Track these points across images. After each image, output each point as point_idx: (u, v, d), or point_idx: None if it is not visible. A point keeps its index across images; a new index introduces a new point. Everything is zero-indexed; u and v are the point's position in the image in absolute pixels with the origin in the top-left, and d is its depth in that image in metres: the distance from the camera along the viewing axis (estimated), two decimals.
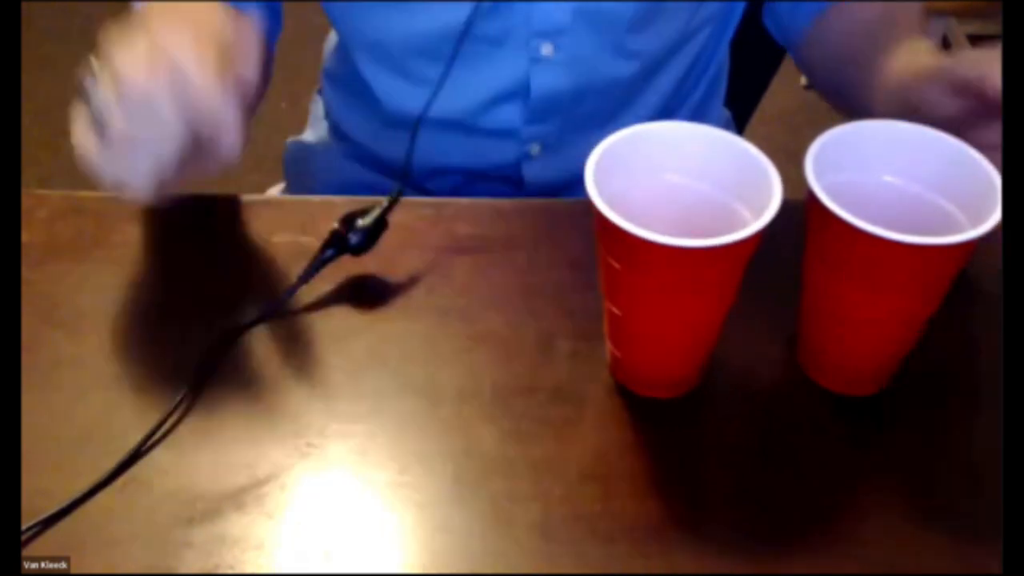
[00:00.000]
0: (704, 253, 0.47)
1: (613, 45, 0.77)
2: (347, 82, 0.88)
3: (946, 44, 2.06)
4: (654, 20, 0.77)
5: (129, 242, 0.65)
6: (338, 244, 0.61)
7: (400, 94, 0.81)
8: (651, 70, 0.81)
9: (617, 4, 0.74)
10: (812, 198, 0.51)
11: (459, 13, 0.73)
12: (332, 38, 0.92)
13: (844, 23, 0.78)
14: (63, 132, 0.69)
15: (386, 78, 0.81)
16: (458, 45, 0.70)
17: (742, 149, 0.53)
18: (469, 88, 0.79)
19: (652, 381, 0.56)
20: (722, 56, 0.89)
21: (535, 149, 0.83)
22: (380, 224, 0.62)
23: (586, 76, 0.78)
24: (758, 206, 0.50)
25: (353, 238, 0.61)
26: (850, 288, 0.53)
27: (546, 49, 0.76)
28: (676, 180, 0.55)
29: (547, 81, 0.78)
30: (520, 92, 0.79)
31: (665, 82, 0.83)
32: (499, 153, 0.83)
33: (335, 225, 0.61)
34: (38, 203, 0.68)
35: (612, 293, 0.53)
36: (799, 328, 0.58)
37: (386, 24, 0.78)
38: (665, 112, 0.85)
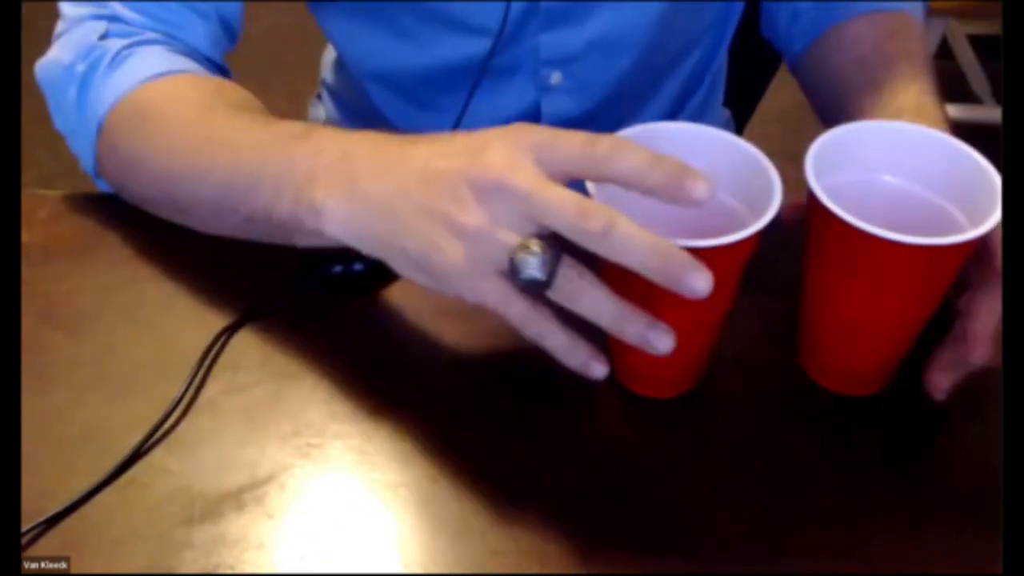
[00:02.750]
0: (703, 254, 0.47)
1: (622, 68, 0.77)
2: (354, 105, 0.88)
3: (946, 44, 2.06)
4: (664, 40, 0.77)
5: (129, 242, 0.65)
6: (344, 264, 0.60)
7: (413, 120, 0.80)
8: (655, 81, 0.81)
9: (629, 30, 0.74)
10: (812, 198, 0.51)
11: (471, 48, 0.73)
12: (331, 52, 0.92)
13: (838, 55, 0.75)
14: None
15: (397, 104, 0.81)
16: (478, 79, 0.69)
17: (741, 149, 0.53)
18: (479, 116, 0.79)
19: (652, 380, 0.56)
20: (720, 59, 0.89)
21: None
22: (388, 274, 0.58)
23: (595, 99, 0.78)
24: (758, 207, 0.50)
25: (358, 265, 0.60)
26: (850, 288, 0.53)
27: (555, 78, 0.76)
28: None
29: (557, 108, 0.78)
30: (530, 119, 0.79)
31: (668, 90, 0.83)
32: None
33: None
34: (38, 203, 0.68)
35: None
36: (799, 328, 0.58)
37: (397, 59, 0.77)
38: (668, 117, 0.85)
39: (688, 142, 0.54)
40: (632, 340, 0.49)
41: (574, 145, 0.47)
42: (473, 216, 0.48)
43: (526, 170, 0.47)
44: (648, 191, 0.46)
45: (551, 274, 0.47)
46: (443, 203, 0.48)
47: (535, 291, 0.48)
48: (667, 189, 0.45)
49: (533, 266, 0.47)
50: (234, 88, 0.65)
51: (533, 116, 0.78)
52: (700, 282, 0.45)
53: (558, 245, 0.48)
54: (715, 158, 0.54)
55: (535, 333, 0.50)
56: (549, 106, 0.78)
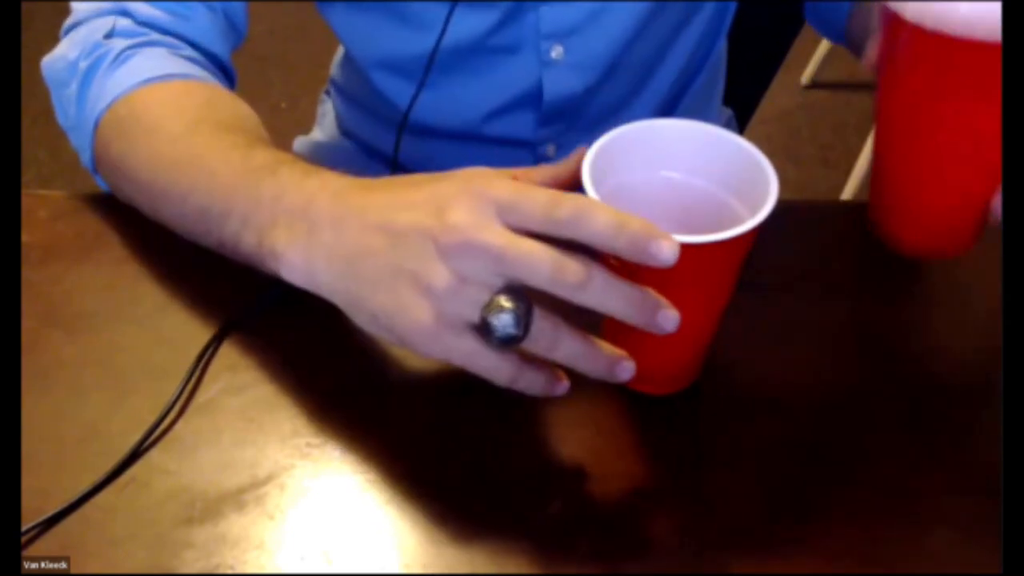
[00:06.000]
0: (700, 249, 0.47)
1: (621, 40, 0.77)
2: (360, 98, 0.88)
3: None
4: (661, 8, 0.77)
5: (129, 242, 0.65)
6: None
7: (420, 105, 0.81)
8: (654, 57, 0.81)
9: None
10: (889, 14, 0.49)
11: (475, 25, 0.73)
12: (341, 51, 0.92)
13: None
14: (63, 133, 0.69)
15: (404, 90, 0.81)
16: (433, 55, 0.70)
17: (738, 145, 0.53)
18: (482, 97, 0.79)
19: (649, 377, 0.56)
20: (719, 48, 0.89)
21: (551, 150, 0.83)
22: None
23: (595, 74, 0.78)
24: (754, 203, 0.50)
25: None
26: (940, 99, 0.50)
27: (556, 52, 0.76)
28: (672, 177, 0.55)
29: (559, 84, 0.78)
30: (532, 97, 0.79)
31: (667, 69, 0.83)
32: (515, 158, 0.83)
33: None
34: (38, 203, 0.68)
35: None
36: (875, 183, 0.56)
37: (402, 44, 0.77)
38: (671, 99, 0.85)
39: (685, 138, 0.54)
40: (599, 375, 0.51)
41: (536, 207, 0.47)
42: (440, 276, 0.48)
43: (492, 227, 0.47)
44: (613, 253, 0.47)
45: (527, 327, 0.48)
46: (408, 262, 0.48)
47: (509, 346, 0.49)
48: (632, 253, 0.46)
49: (508, 324, 0.47)
50: (227, 99, 0.65)
51: (536, 94, 0.79)
52: (669, 323, 0.48)
53: (526, 296, 0.48)
54: (711, 154, 0.54)
55: (506, 381, 0.51)
56: (551, 83, 0.78)
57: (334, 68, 0.93)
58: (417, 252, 0.48)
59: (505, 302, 0.47)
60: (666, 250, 0.46)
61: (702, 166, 0.54)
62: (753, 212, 0.49)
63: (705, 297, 0.51)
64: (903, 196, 0.55)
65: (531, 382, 0.51)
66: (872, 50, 0.54)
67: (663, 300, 0.48)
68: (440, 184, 0.50)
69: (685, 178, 0.55)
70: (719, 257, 0.50)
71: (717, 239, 0.48)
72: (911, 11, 0.48)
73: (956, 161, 0.52)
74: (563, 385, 0.52)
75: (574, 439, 0.55)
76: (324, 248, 0.51)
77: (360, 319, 0.52)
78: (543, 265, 0.47)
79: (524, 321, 0.48)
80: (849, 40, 0.81)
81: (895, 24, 0.49)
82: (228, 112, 0.64)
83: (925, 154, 0.53)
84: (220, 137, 0.60)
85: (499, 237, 0.47)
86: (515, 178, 0.50)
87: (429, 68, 0.72)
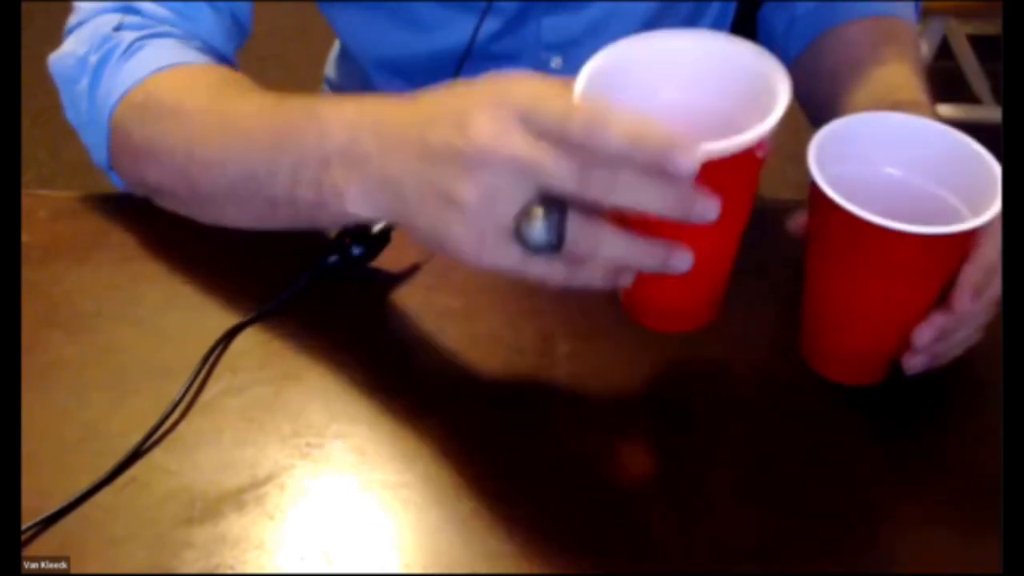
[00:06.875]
0: (712, 166, 0.46)
1: None
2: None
3: (946, 44, 2.06)
4: (660, 20, 0.77)
5: (129, 242, 0.65)
6: (341, 252, 0.61)
7: None
8: None
9: (628, 12, 0.74)
10: (815, 188, 0.51)
11: (472, 34, 0.73)
12: (336, 49, 0.92)
13: (833, 57, 0.75)
14: (63, 133, 0.69)
15: (403, 91, 0.81)
16: (461, 63, 0.70)
17: (737, 50, 0.52)
18: None
19: (670, 314, 0.55)
20: None
21: None
22: (384, 237, 0.62)
23: None
24: (761, 113, 0.49)
25: (356, 249, 0.61)
26: (853, 276, 0.52)
27: (555, 62, 0.76)
28: (673, 96, 0.54)
29: None
30: None
31: None
32: None
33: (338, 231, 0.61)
34: (38, 203, 0.68)
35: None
36: (801, 318, 0.58)
37: (405, 46, 0.77)
38: None
39: (674, 56, 0.53)
40: (654, 270, 0.49)
41: (550, 118, 0.46)
42: (469, 190, 0.47)
43: (514, 137, 0.47)
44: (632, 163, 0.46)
45: (560, 234, 0.47)
46: (440, 179, 0.48)
47: (550, 253, 0.48)
48: (651, 165, 0.45)
49: (540, 231, 0.47)
50: (240, 75, 0.65)
51: None
52: (710, 212, 0.46)
53: (560, 202, 0.47)
54: (716, 69, 0.53)
55: (559, 283, 0.50)
56: None
57: (329, 66, 0.93)
58: (445, 170, 0.48)
59: (536, 211, 0.47)
60: (684, 163, 0.44)
61: (701, 84, 0.53)
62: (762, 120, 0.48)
63: (721, 220, 0.48)
64: (825, 340, 0.57)
65: (588, 279, 0.50)
66: (799, 219, 0.56)
67: (699, 189, 0.46)
68: (467, 92, 0.49)
69: (688, 97, 0.54)
70: (731, 172, 0.48)
71: (728, 146, 0.46)
72: (827, 188, 0.50)
73: (862, 317, 0.54)
74: (628, 277, 0.51)
75: (574, 439, 0.55)
76: (373, 176, 0.52)
77: (417, 239, 0.52)
78: (567, 174, 0.46)
79: (558, 229, 0.47)
80: (794, 78, 0.82)
81: (818, 193, 0.51)
82: (246, 82, 0.64)
83: (836, 307, 0.55)
84: (246, 98, 0.60)
85: (521, 147, 0.46)
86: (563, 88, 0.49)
87: (457, 75, 0.71)
